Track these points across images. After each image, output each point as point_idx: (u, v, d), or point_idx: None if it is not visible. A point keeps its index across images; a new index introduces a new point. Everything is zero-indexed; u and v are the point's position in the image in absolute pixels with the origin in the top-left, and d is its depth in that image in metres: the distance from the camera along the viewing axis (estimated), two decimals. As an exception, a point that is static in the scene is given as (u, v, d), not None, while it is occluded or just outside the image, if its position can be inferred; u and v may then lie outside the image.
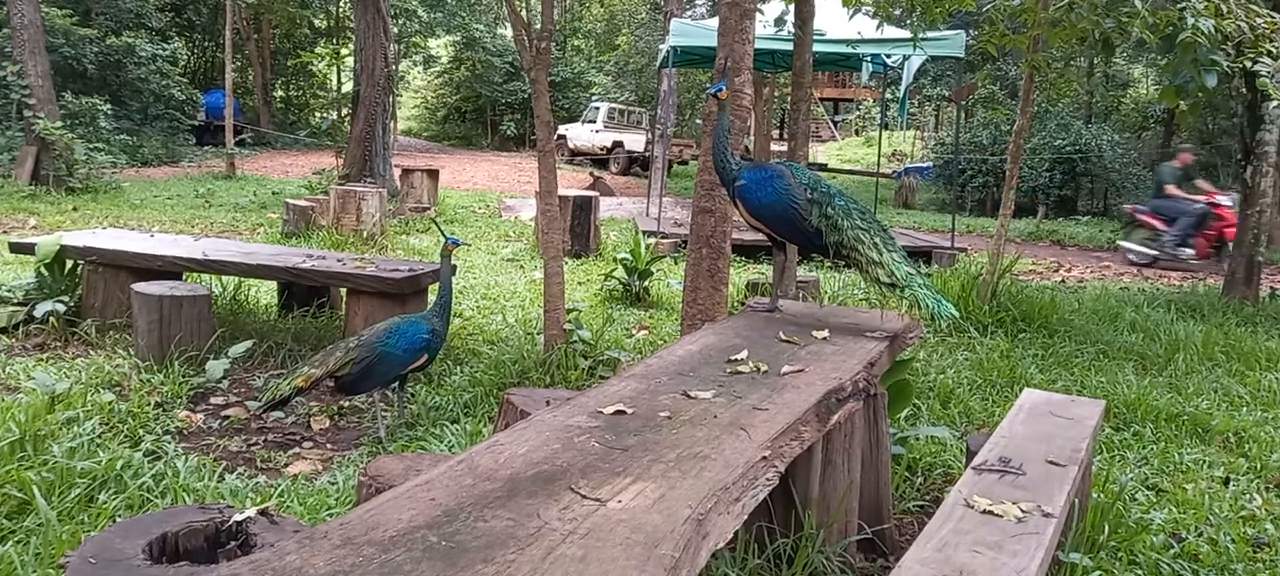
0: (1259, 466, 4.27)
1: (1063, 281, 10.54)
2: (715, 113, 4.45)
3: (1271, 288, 9.25)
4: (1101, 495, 3.46)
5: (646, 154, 25.82)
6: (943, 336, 6.32)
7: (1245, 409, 5.12)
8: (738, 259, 9.99)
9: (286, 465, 3.87)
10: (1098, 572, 2.99)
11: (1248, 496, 3.92)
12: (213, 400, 4.58)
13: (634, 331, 6.57)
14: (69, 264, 5.70)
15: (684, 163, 26.48)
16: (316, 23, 32.50)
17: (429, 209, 13.42)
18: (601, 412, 2.19)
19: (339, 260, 5.70)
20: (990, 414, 4.81)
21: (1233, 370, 5.96)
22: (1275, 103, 6.59)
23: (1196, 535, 3.47)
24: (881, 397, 3.23)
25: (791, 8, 7.04)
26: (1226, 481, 4.08)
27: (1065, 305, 7.52)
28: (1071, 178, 20.33)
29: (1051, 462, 2.75)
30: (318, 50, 31.31)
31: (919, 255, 10.94)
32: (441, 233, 4.68)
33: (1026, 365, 5.74)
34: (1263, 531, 3.57)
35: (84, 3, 22.46)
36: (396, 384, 4.34)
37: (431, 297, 5.21)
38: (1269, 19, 5.07)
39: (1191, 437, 4.61)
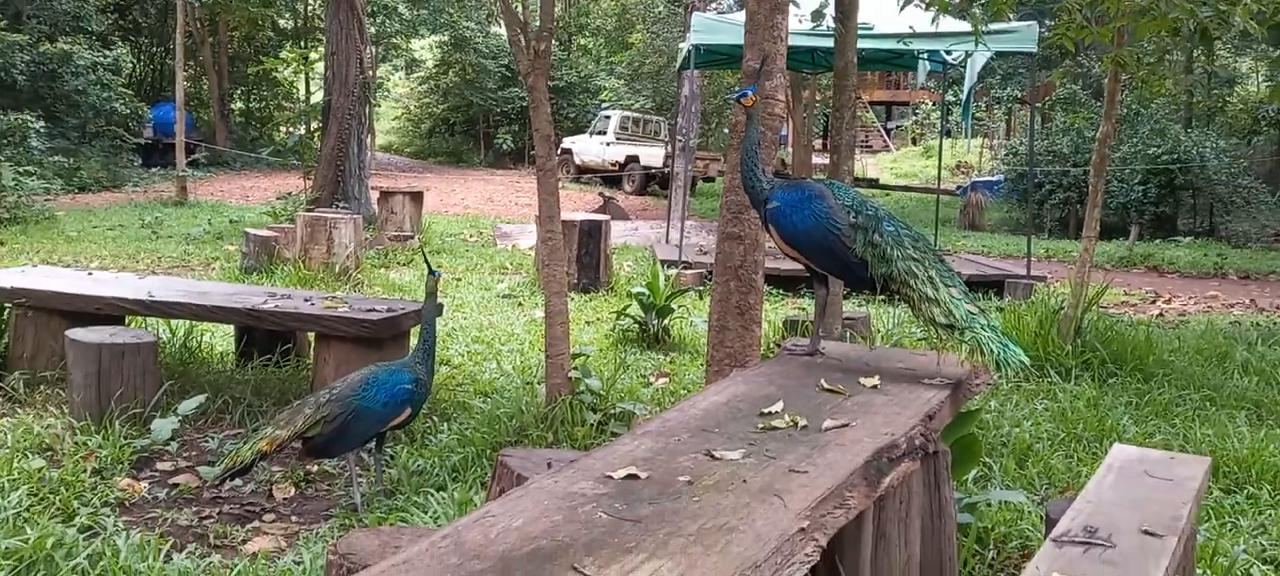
0: (1399, 535, 4.20)
1: (1160, 315, 10.48)
2: (743, 123, 4.48)
3: None
4: (1208, 571, 3.42)
5: (666, 170, 25.91)
6: (1016, 383, 6.28)
7: (1382, 465, 5.05)
8: (773, 293, 9.99)
9: (244, 542, 3.88)
10: (1206, 664, 2.95)
11: (1386, 571, 3.86)
12: (159, 465, 4.61)
13: (652, 379, 6.57)
14: (-7, 307, 5.78)
15: (709, 180, 26.63)
16: (281, 23, 33.01)
17: (412, 237, 13.52)
18: (611, 477, 2.19)
19: (307, 300, 5.74)
20: (1074, 474, 4.76)
21: (1367, 419, 5.89)
22: None
23: (1325, 618, 3.42)
24: (943, 456, 3.21)
25: (832, -1, 7.09)
26: (1360, 553, 4.02)
27: (1164, 343, 7.47)
28: (1169, 192, 20.30)
29: (1147, 532, 2.73)
30: (283, 55, 31.75)
31: (989, 286, 10.92)
32: (426, 262, 4.71)
33: (1117, 415, 5.69)
34: (1405, 613, 3.51)
35: (13, 4, 22.91)
36: (373, 444, 4.36)
37: (414, 342, 5.23)
38: (1396, 3, 5.06)
39: (1318, 500, 4.55)
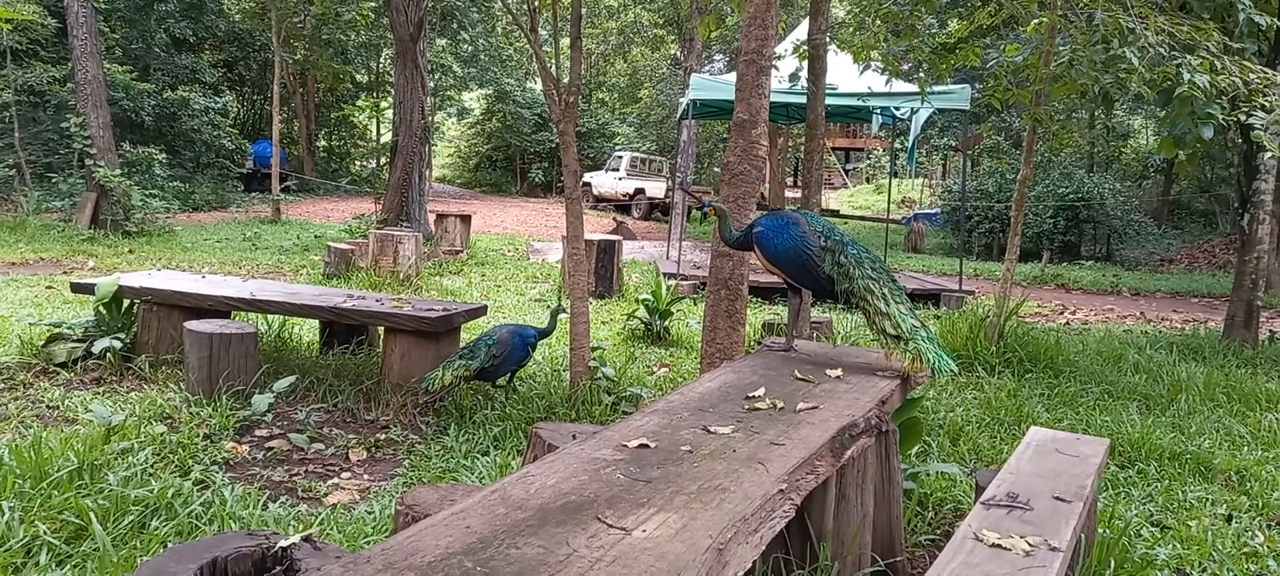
0: (1261, 504, 4.19)
1: (1067, 323, 10.45)
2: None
3: (1270, 331, 9.13)
4: (1107, 531, 3.41)
5: (666, 200, 25.95)
6: (951, 377, 6.27)
7: (1247, 448, 5.04)
8: (754, 300, 9.99)
9: (326, 494, 3.89)
10: (1104, 606, 2.94)
11: (1250, 533, 3.85)
12: (258, 432, 4.61)
13: (655, 369, 6.56)
14: (125, 303, 5.79)
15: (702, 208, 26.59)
16: (358, 78, 33.07)
17: (461, 251, 13.53)
18: (626, 446, 2.20)
19: (378, 300, 5.75)
20: (998, 451, 4.75)
21: (1234, 410, 5.87)
22: (1270, 153, 6.56)
23: (1200, 571, 3.41)
24: (893, 434, 3.21)
25: (805, 64, 7.11)
26: (1229, 518, 4.01)
27: (1070, 347, 7.45)
28: (1074, 224, 20.25)
29: (1058, 498, 2.73)
30: (359, 103, 31.87)
31: (928, 297, 10.89)
32: (558, 301, 5.27)
33: (1033, 404, 5.68)
34: (1265, 568, 3.50)
35: (143, 59, 23.02)
36: (509, 375, 5.06)
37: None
38: (1262, 75, 5.06)
39: (1194, 476, 4.54)
